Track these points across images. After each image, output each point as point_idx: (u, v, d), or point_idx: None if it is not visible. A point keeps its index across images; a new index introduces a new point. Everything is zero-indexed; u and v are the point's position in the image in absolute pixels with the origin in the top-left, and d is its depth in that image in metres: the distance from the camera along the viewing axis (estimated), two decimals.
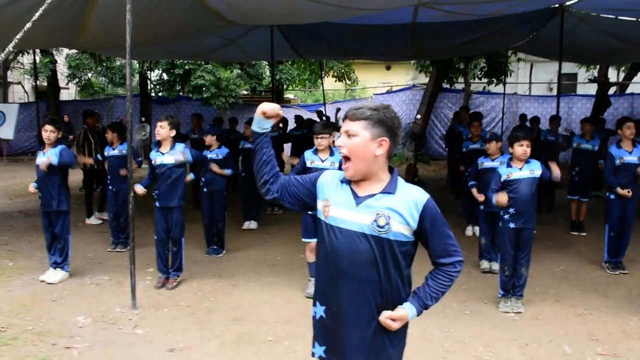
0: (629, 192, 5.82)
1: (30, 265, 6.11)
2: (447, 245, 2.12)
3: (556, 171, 4.98)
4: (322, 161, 5.15)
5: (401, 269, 2.09)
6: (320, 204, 2.16)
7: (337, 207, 2.09)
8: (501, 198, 4.84)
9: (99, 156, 7.39)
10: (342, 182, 2.14)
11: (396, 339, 2.15)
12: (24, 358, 3.88)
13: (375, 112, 2.05)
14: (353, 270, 2.04)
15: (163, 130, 5.42)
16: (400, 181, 2.11)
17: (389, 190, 2.06)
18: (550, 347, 4.20)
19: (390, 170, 2.12)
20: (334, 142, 5.42)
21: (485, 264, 6.10)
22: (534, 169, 4.89)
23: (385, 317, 2.06)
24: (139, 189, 5.35)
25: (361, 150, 2.03)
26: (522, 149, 4.85)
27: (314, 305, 2.23)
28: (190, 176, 6.18)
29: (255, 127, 2.22)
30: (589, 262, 6.43)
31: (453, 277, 2.14)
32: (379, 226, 2.01)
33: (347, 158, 2.07)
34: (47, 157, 5.48)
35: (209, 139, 6.66)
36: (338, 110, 11.44)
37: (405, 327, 2.16)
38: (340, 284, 2.08)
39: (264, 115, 2.19)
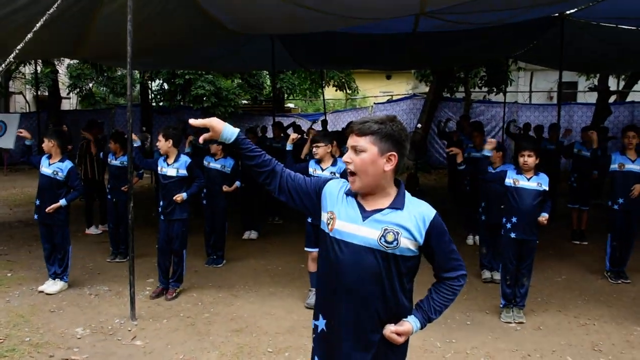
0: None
1: (30, 275, 6.08)
2: (452, 260, 2.11)
3: (542, 220, 4.91)
4: (322, 170, 5.15)
5: (404, 283, 2.07)
6: (325, 216, 2.12)
7: (343, 220, 2.05)
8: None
9: (101, 154, 7.33)
10: (347, 194, 2.10)
11: (399, 351, 2.12)
12: None
13: (382, 125, 2.00)
14: (357, 285, 2.01)
15: (160, 144, 5.44)
16: (408, 196, 2.08)
17: (397, 205, 2.03)
18: (553, 358, 4.16)
19: (397, 183, 2.10)
20: (341, 153, 5.43)
21: (486, 274, 6.06)
22: (542, 183, 4.86)
23: (390, 331, 2.03)
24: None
25: (370, 167, 2.00)
26: (522, 159, 4.83)
27: (316, 318, 2.19)
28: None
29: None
30: (591, 271, 6.39)
31: (457, 290, 2.13)
32: (387, 242, 1.98)
33: (353, 173, 2.03)
34: (53, 170, 5.50)
35: (215, 148, 6.64)
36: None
37: (407, 339, 2.13)
38: (342, 297, 2.04)
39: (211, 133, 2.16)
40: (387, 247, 1.98)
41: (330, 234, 2.07)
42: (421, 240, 2.01)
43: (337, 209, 2.08)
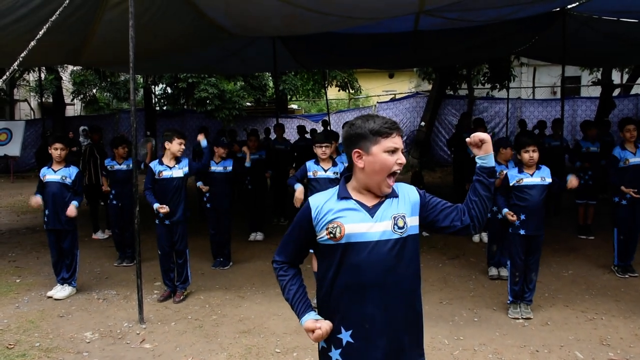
0: (635, 191, 5.75)
1: (38, 281, 6.12)
2: (448, 204, 2.19)
3: (573, 181, 4.93)
4: (325, 171, 5.17)
5: (419, 262, 2.13)
6: (324, 232, 2.06)
7: (352, 223, 2.03)
8: (510, 217, 4.86)
9: (104, 172, 7.38)
10: (342, 198, 2.08)
11: (421, 347, 2.16)
12: None
13: None
14: (384, 279, 2.01)
15: (184, 147, 5.47)
16: None
17: (393, 194, 2.10)
18: (561, 353, 4.15)
19: None
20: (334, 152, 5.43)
21: (493, 271, 6.06)
22: (545, 176, 4.86)
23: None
24: (164, 207, 5.27)
25: None
26: (527, 155, 4.82)
27: (336, 334, 2.08)
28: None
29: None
30: (597, 265, 6.37)
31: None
32: (399, 228, 2.04)
33: (396, 172, 2.07)
34: (61, 176, 5.56)
35: (220, 151, 6.68)
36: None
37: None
38: (371, 298, 2.02)
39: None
40: (401, 232, 2.04)
41: (341, 242, 2.04)
42: (417, 212, 2.11)
43: (340, 216, 2.05)
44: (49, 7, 4.70)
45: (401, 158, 2.06)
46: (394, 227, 2.03)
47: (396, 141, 2.05)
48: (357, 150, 2.07)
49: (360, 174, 2.08)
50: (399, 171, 2.06)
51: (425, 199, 2.15)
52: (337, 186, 2.15)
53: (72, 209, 5.50)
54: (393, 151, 2.04)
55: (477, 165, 2.14)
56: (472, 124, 9.60)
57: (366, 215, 2.04)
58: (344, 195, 2.09)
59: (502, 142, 6.13)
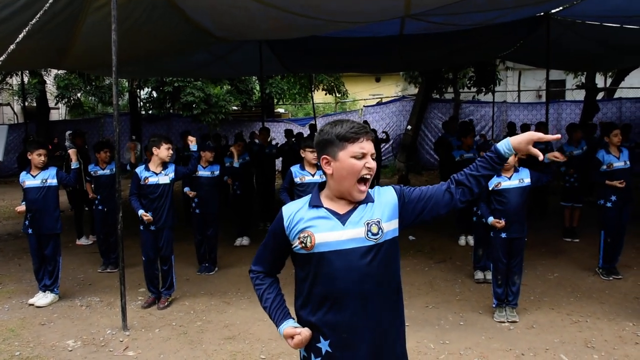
0: (621, 182, 5.74)
1: (20, 288, 6.02)
2: (432, 186, 2.12)
3: (556, 155, 4.89)
4: (312, 175, 5.14)
5: (398, 263, 2.08)
6: (296, 241, 2.03)
7: (323, 232, 1.99)
8: (497, 224, 4.85)
9: (87, 178, 7.30)
10: (312, 206, 2.04)
11: (404, 344, 2.13)
12: None
13: None
14: (360, 287, 1.97)
15: (171, 152, 5.42)
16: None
17: (369, 200, 2.04)
18: (546, 356, 4.16)
19: None
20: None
21: (479, 274, 6.07)
22: (524, 178, 4.88)
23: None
24: (147, 215, 5.22)
25: None
26: None
27: (315, 342, 2.05)
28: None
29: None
30: (583, 268, 6.41)
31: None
32: (373, 234, 1.98)
33: (370, 176, 2.01)
34: (42, 179, 5.52)
35: (209, 155, 6.63)
36: None
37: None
38: (348, 306, 1.98)
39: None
40: (376, 239, 1.98)
41: (313, 251, 2.00)
42: (398, 213, 2.04)
43: (310, 225, 2.01)
44: (31, 10, 4.63)
45: (370, 162, 1.99)
46: (367, 234, 1.98)
47: (364, 146, 1.99)
48: (325, 156, 2.04)
49: (331, 181, 2.05)
50: (369, 177, 2.00)
51: (405, 200, 2.07)
52: (310, 194, 2.11)
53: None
54: (361, 156, 1.98)
55: (499, 150, 2.05)
56: (459, 127, 9.63)
57: (337, 224, 1.99)
58: (315, 204, 2.05)
59: (487, 147, 6.13)
